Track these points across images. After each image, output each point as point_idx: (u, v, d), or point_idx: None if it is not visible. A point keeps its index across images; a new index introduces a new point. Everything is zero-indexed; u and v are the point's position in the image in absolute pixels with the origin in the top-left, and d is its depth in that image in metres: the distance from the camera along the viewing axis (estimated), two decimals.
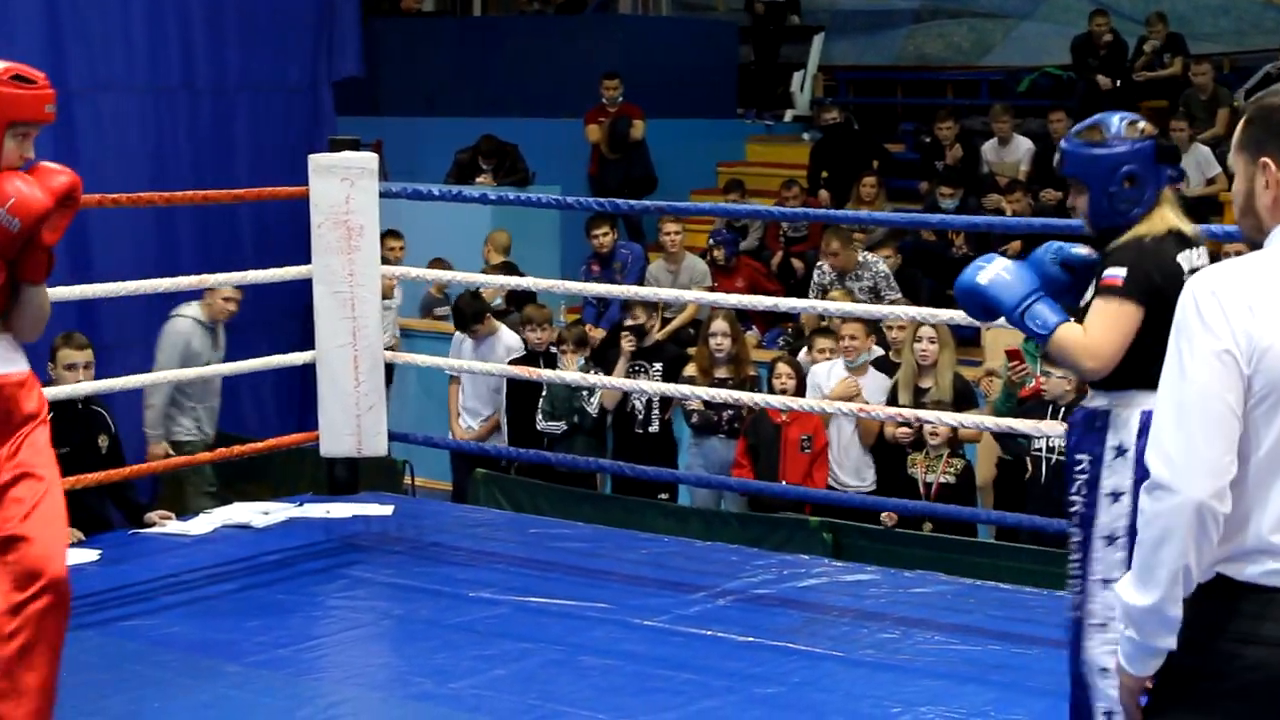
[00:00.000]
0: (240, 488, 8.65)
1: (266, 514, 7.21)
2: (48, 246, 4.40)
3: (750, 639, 5.74)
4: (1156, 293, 3.92)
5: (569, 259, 13.02)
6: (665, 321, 10.82)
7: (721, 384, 8.73)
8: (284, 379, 10.92)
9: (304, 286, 7.49)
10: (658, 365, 9.46)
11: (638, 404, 9.37)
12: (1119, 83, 14.42)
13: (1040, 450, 7.96)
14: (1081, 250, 4.30)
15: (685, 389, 8.28)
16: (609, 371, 9.35)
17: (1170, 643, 2.77)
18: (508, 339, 9.90)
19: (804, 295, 10.66)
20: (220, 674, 5.32)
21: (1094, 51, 14.77)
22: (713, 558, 6.87)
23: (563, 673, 5.43)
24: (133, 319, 9.65)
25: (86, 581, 6.21)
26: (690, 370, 9.22)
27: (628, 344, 9.35)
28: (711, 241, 12.09)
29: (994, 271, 4.19)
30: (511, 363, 9.38)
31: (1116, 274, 3.99)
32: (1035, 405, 7.98)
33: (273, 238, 10.79)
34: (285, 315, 10.45)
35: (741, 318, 10.10)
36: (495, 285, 9.85)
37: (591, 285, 9.82)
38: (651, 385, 8.69)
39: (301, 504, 7.45)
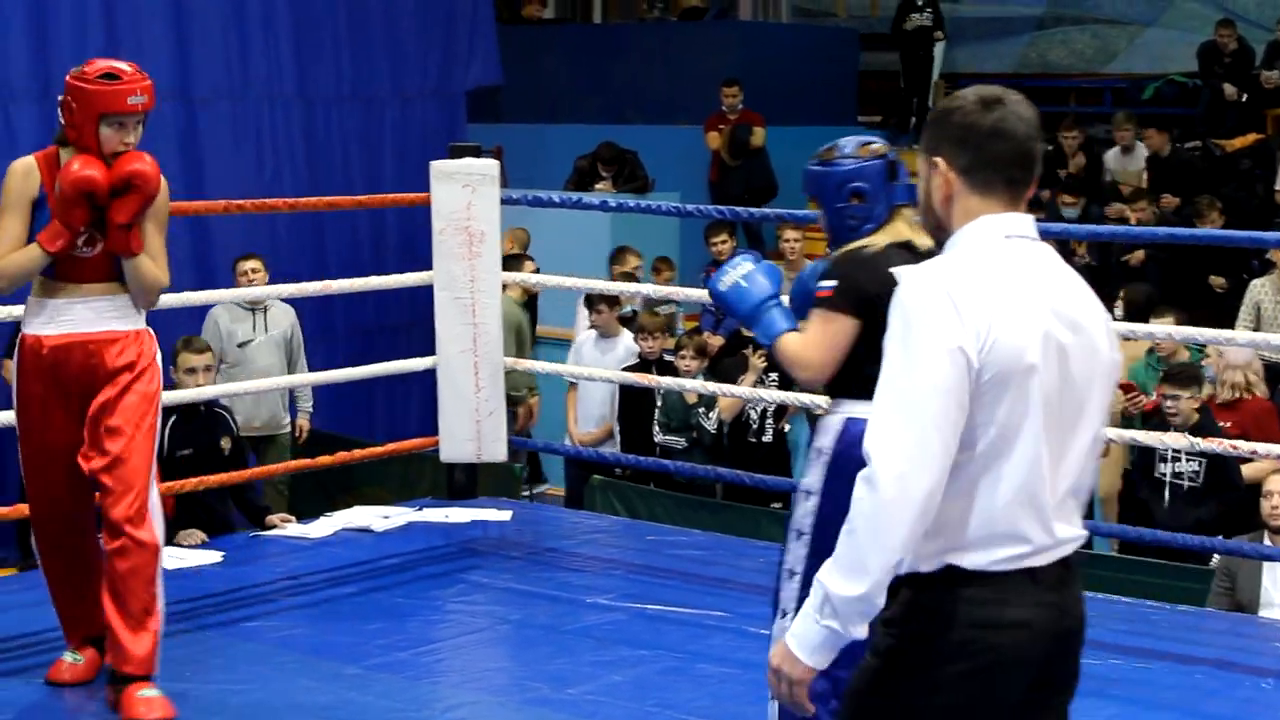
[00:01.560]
0: (360, 492, 8.70)
1: (386, 518, 7.25)
2: (123, 223, 4.86)
3: None
4: (869, 303, 4.02)
5: (687, 266, 13.00)
6: None
7: None
8: (406, 384, 11.00)
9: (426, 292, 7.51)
10: (774, 375, 9.42)
11: (753, 413, 9.35)
12: (1245, 92, 14.22)
13: (1164, 473, 7.88)
14: None
15: (805, 397, 8.23)
16: (726, 381, 9.30)
17: (863, 632, 2.82)
18: (628, 341, 9.92)
19: None
20: (340, 676, 5.35)
21: (1219, 59, 14.58)
22: None
23: (680, 680, 5.41)
24: None
25: (209, 583, 6.29)
26: None
27: (759, 360, 9.29)
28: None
29: (734, 278, 4.42)
30: (625, 369, 9.37)
31: (827, 286, 4.18)
32: (1158, 424, 7.88)
33: (400, 243, 10.90)
34: (412, 320, 10.55)
35: None
36: (618, 292, 9.83)
37: (706, 293, 9.77)
38: (771, 394, 8.64)
39: (421, 508, 7.49)
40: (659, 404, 9.37)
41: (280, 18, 10.89)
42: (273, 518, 7.19)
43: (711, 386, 8.23)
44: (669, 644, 5.78)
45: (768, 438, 9.37)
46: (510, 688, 5.44)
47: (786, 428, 9.44)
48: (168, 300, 5.68)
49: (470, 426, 7.29)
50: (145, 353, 4.99)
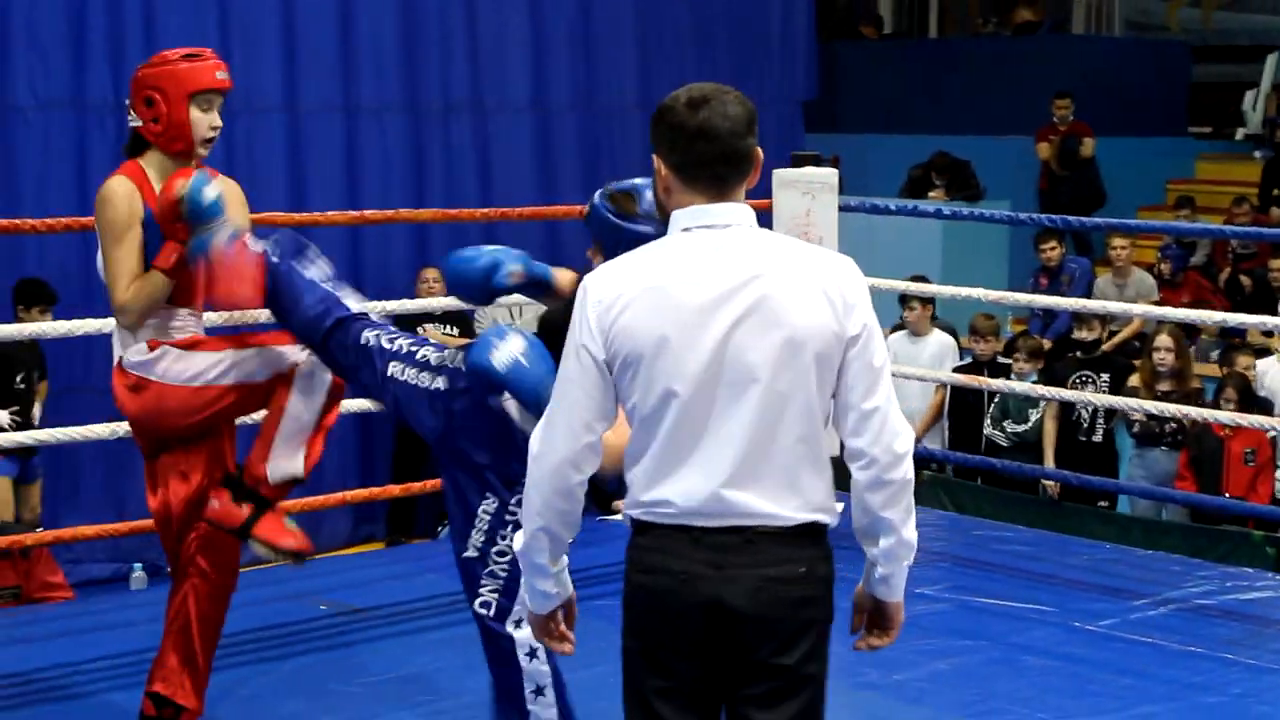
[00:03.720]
0: None
1: None
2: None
3: (1191, 648, 5.58)
4: None
5: (1016, 271, 12.84)
6: (1112, 334, 10.59)
7: (1165, 397, 8.49)
8: None
9: None
10: (1104, 376, 9.25)
11: (1083, 413, 9.19)
12: None
13: None
14: None
15: (1130, 402, 8.08)
16: (1054, 384, 9.18)
17: (545, 586, 3.15)
18: (941, 339, 9.86)
19: (1252, 312, 10.26)
20: None
21: None
22: (1154, 566, 6.70)
23: (1002, 671, 5.36)
24: None
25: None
26: (1134, 382, 9.00)
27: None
28: (1160, 256, 11.76)
29: (513, 353, 3.93)
30: (956, 369, 9.30)
31: None
32: None
33: None
34: None
35: (1188, 332, 9.80)
36: (943, 295, 9.77)
37: (1039, 297, 9.65)
38: (1096, 397, 8.50)
39: None
40: (994, 401, 9.31)
41: (575, 36, 11.00)
42: (618, 503, 7.30)
43: (1040, 389, 8.11)
44: (992, 635, 5.73)
45: (1098, 438, 9.21)
46: (841, 672, 5.31)
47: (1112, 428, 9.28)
48: None
49: None
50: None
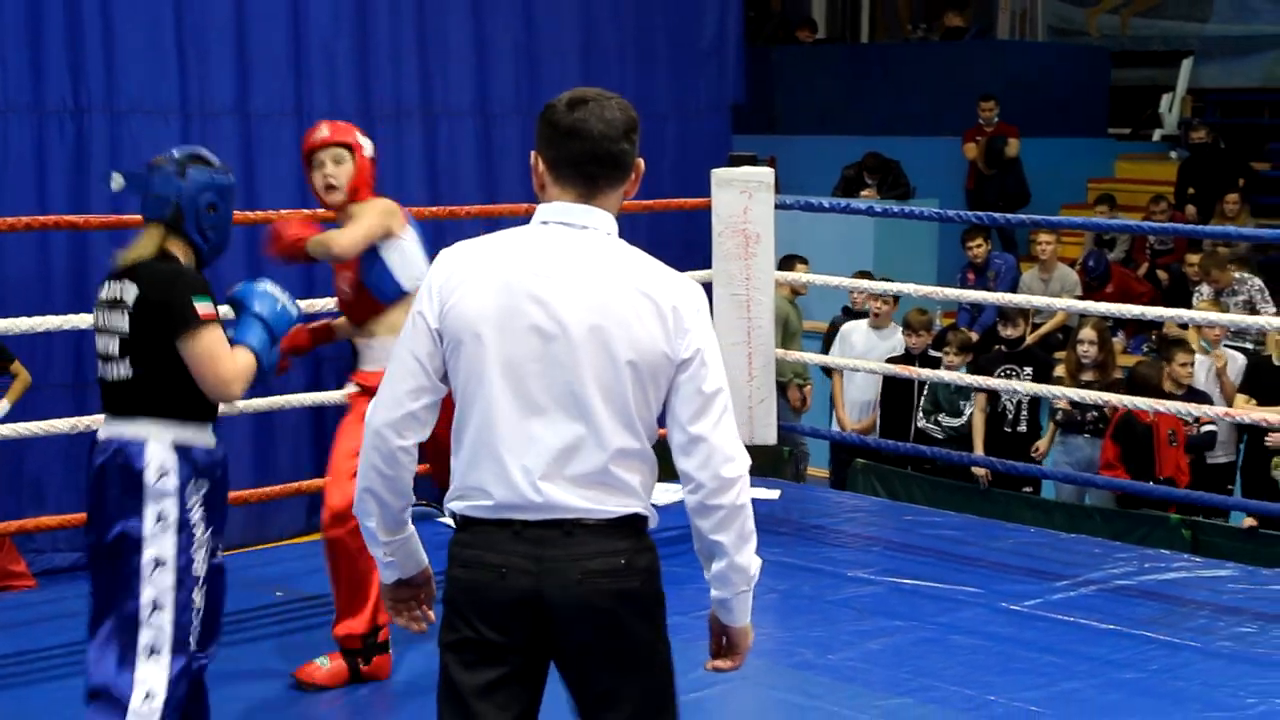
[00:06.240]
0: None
1: (667, 492, 7.26)
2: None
3: (1111, 626, 5.61)
4: None
5: (945, 267, 12.86)
6: (1036, 327, 10.60)
7: (1087, 387, 8.49)
8: None
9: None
10: (1028, 369, 9.25)
11: (1008, 405, 9.20)
12: None
13: None
14: None
15: (1056, 390, 8.10)
16: (981, 375, 9.18)
17: (377, 552, 3.06)
18: (900, 334, 9.87)
19: (1169, 306, 10.30)
20: None
21: None
22: (1076, 549, 6.73)
23: (933, 650, 5.38)
24: None
25: None
26: (1059, 372, 9.03)
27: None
28: (1080, 267, 11.79)
29: (284, 302, 4.08)
30: (889, 360, 9.29)
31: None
32: None
33: (681, 244, 10.93)
34: None
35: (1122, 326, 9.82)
36: (881, 292, 9.75)
37: (967, 292, 9.66)
38: (1025, 385, 8.51)
39: None
40: (924, 393, 9.30)
41: (572, 45, 11.02)
42: None
43: (969, 379, 8.10)
44: (923, 616, 5.75)
45: (1023, 428, 9.21)
46: (777, 652, 5.41)
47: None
48: None
49: (743, 412, 7.26)
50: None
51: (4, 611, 5.91)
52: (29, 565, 7.58)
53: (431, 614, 3.13)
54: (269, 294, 4.04)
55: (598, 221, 2.95)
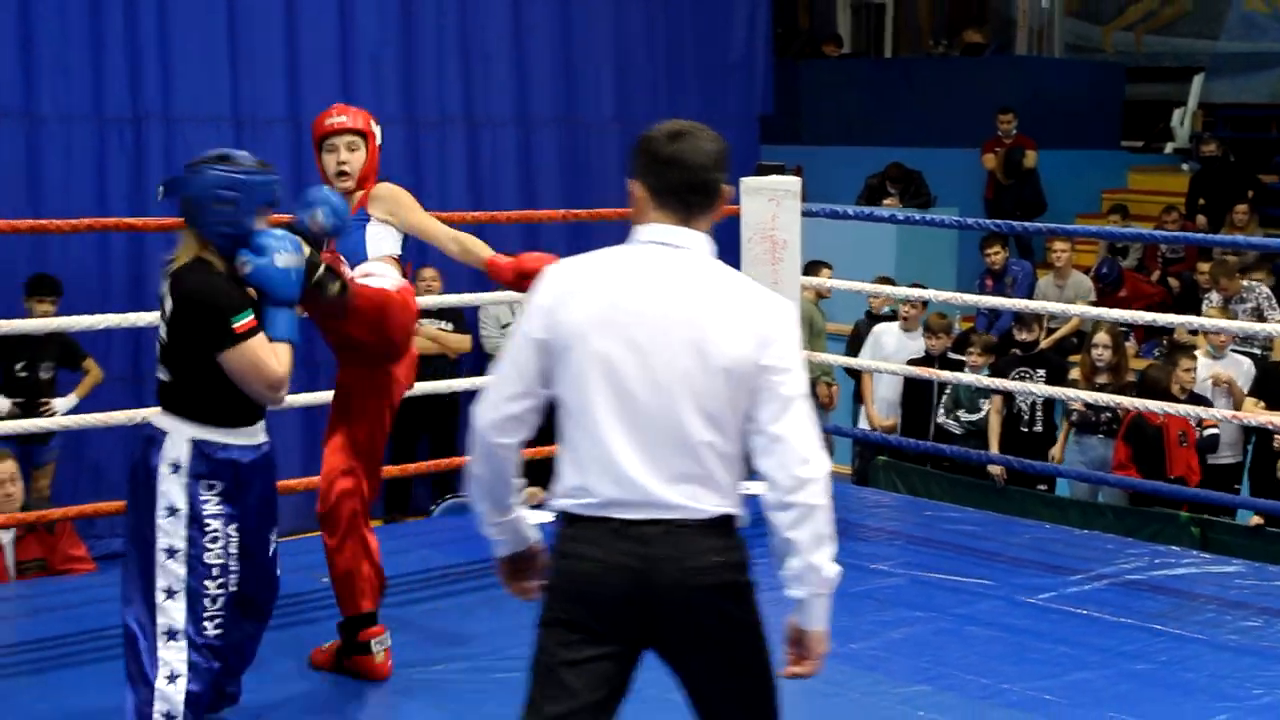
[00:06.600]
0: None
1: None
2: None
3: (1122, 619, 5.65)
4: None
5: (964, 273, 12.97)
6: (1051, 331, 10.74)
7: (1102, 389, 8.63)
8: None
9: None
10: (1041, 372, 9.40)
11: (1023, 406, 9.34)
12: None
13: None
14: None
15: (1070, 392, 8.22)
16: (1000, 376, 9.32)
17: (488, 532, 3.21)
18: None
19: (1180, 313, 10.43)
20: None
21: None
22: (1089, 545, 6.75)
23: (951, 640, 5.41)
24: None
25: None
26: (1074, 374, 9.16)
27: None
28: (1094, 275, 11.91)
29: (290, 263, 3.98)
30: (910, 362, 9.44)
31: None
32: None
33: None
34: None
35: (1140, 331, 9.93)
36: (904, 297, 9.92)
37: (985, 298, 9.80)
38: (1040, 387, 8.64)
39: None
40: (946, 393, 9.46)
41: (606, 59, 11.12)
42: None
43: (986, 381, 8.25)
44: (942, 608, 5.78)
45: (1038, 428, 9.35)
46: None
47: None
48: None
49: None
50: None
51: (65, 594, 5.96)
52: (89, 550, 7.70)
53: (537, 586, 3.23)
54: (285, 272, 3.95)
55: (694, 242, 3.11)
